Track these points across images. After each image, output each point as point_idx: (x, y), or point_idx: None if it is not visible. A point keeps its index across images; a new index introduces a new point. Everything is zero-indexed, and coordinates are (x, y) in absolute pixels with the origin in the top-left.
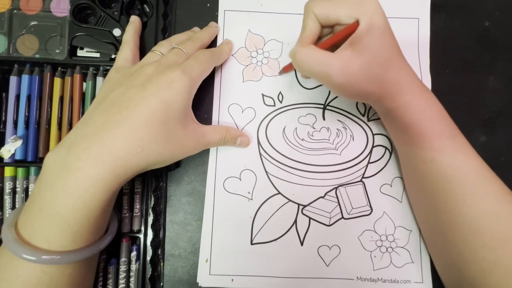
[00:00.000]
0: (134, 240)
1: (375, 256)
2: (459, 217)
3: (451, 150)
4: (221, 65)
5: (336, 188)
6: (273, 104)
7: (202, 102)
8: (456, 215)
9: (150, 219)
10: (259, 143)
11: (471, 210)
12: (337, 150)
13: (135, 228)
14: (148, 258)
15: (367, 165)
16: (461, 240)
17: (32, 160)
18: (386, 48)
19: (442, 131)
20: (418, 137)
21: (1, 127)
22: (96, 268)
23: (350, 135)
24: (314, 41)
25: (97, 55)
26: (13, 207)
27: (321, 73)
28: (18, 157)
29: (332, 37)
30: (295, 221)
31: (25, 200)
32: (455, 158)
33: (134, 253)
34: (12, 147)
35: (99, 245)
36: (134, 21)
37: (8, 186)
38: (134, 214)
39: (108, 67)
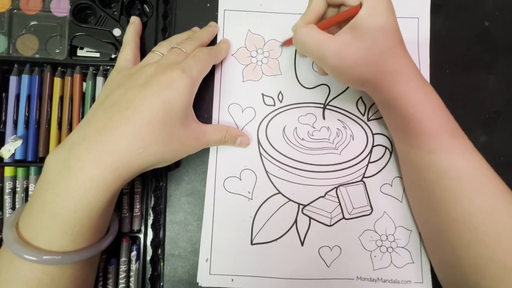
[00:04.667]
0: (134, 240)
1: (375, 256)
2: (453, 212)
3: (448, 144)
4: (221, 65)
5: (336, 187)
6: (273, 103)
7: (202, 102)
8: (451, 210)
9: (150, 219)
10: (259, 142)
11: (466, 205)
12: (337, 149)
13: (135, 228)
14: (148, 258)
15: (367, 165)
16: (456, 236)
17: (32, 160)
18: (387, 36)
19: (439, 125)
20: (415, 130)
21: (1, 127)
22: (97, 268)
23: (350, 135)
24: (318, 18)
25: (97, 55)
26: (13, 207)
27: (318, 54)
28: (18, 157)
29: (333, 17)
30: (296, 221)
31: (25, 200)
32: (452, 153)
33: (134, 253)
34: (12, 147)
35: (100, 246)
36: (134, 22)
37: (8, 186)
38: (134, 214)
39: (108, 67)
